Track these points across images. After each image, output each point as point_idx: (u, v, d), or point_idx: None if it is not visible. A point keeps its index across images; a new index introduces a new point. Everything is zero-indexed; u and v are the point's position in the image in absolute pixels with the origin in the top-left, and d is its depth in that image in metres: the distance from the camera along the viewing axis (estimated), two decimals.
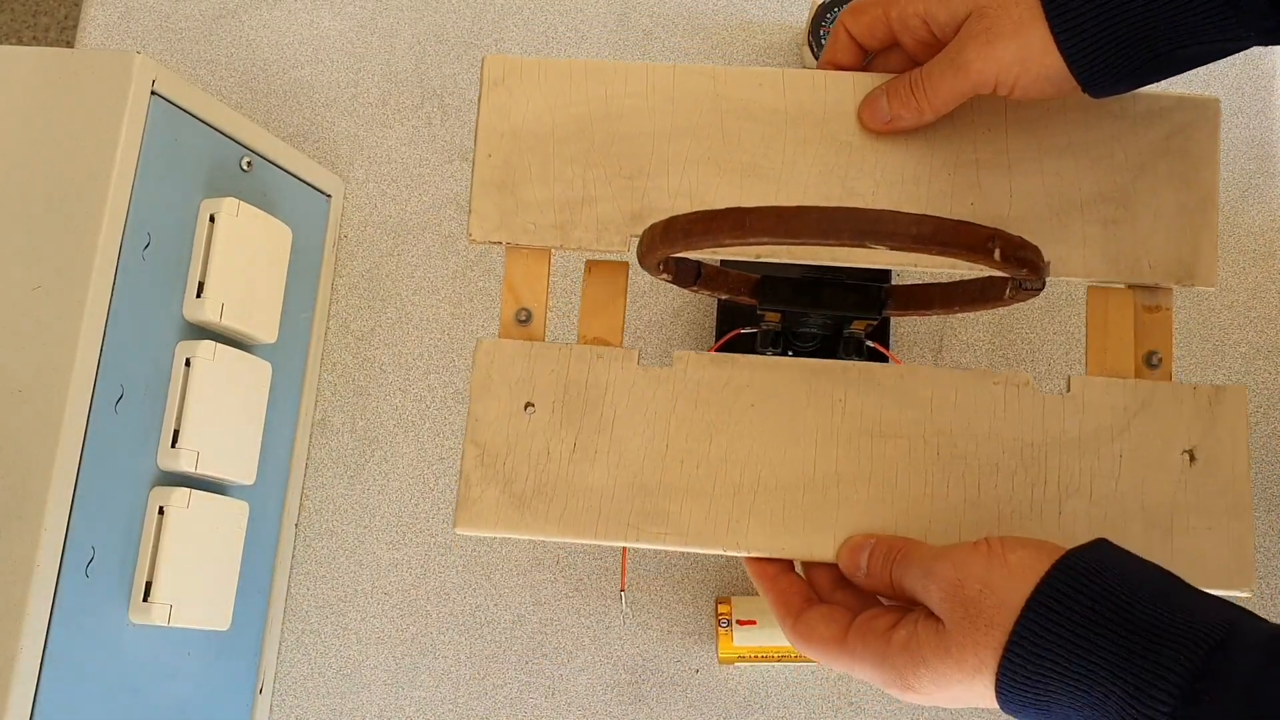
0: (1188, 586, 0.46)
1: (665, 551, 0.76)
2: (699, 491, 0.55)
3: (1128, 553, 0.47)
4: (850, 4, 0.58)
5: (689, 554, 0.76)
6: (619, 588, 0.76)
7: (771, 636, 0.71)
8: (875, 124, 0.57)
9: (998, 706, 0.47)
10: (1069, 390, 0.56)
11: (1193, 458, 0.56)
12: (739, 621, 0.71)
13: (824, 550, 0.55)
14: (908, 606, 0.51)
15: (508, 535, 0.56)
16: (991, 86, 0.53)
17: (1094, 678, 0.43)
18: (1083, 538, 0.51)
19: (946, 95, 0.55)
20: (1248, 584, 0.55)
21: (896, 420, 0.56)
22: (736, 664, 0.72)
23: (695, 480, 0.55)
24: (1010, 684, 0.45)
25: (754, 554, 0.55)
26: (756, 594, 0.75)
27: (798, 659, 0.71)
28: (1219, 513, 0.55)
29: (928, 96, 0.55)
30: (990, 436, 0.56)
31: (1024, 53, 0.52)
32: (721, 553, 0.55)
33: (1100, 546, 0.47)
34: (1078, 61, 0.52)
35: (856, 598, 0.55)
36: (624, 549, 0.76)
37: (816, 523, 0.55)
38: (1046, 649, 0.44)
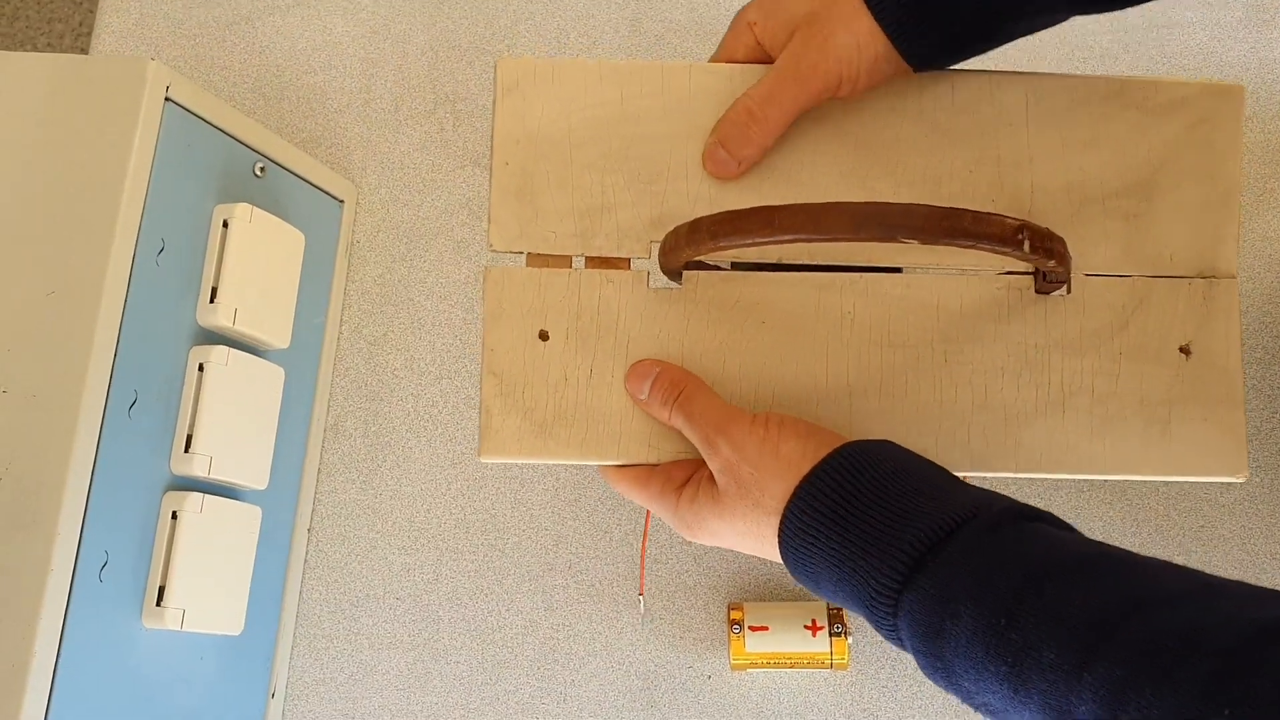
0: (957, 482, 0.49)
1: (678, 556, 0.76)
2: None
3: (906, 452, 0.51)
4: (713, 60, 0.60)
5: (701, 560, 0.76)
6: (631, 592, 0.76)
7: (783, 642, 0.71)
8: (726, 175, 0.58)
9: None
10: (1069, 292, 0.57)
11: (1188, 352, 0.57)
12: (751, 627, 0.71)
13: None
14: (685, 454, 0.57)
15: (531, 461, 0.57)
16: (836, 84, 0.55)
17: (848, 554, 0.48)
18: (1085, 435, 0.56)
19: (790, 108, 0.56)
20: (1241, 470, 0.56)
21: (904, 329, 0.57)
22: (749, 670, 0.72)
23: None
24: (785, 556, 0.51)
25: None
26: (768, 599, 0.75)
27: (810, 665, 0.71)
28: (1214, 403, 0.56)
29: (768, 119, 0.56)
30: (995, 340, 0.57)
31: (857, 39, 0.54)
32: None
33: (880, 445, 0.51)
34: (899, 38, 0.54)
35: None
36: (642, 553, 0.76)
37: None
38: (809, 535, 0.49)
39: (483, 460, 0.56)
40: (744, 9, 0.58)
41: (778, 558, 0.52)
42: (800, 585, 0.52)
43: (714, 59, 0.59)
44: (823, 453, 0.50)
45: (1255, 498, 0.75)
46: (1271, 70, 0.82)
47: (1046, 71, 0.59)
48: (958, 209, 0.48)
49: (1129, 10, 0.84)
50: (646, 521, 0.75)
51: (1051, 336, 0.56)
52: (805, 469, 0.50)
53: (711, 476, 0.54)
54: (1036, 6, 0.54)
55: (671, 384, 0.55)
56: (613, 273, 0.57)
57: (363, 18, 0.87)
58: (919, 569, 0.46)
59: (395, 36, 0.86)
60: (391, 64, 0.86)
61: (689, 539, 0.56)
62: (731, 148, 0.56)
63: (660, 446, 0.56)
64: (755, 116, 0.56)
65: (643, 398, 0.56)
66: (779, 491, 0.50)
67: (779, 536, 0.50)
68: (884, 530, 0.47)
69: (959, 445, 0.56)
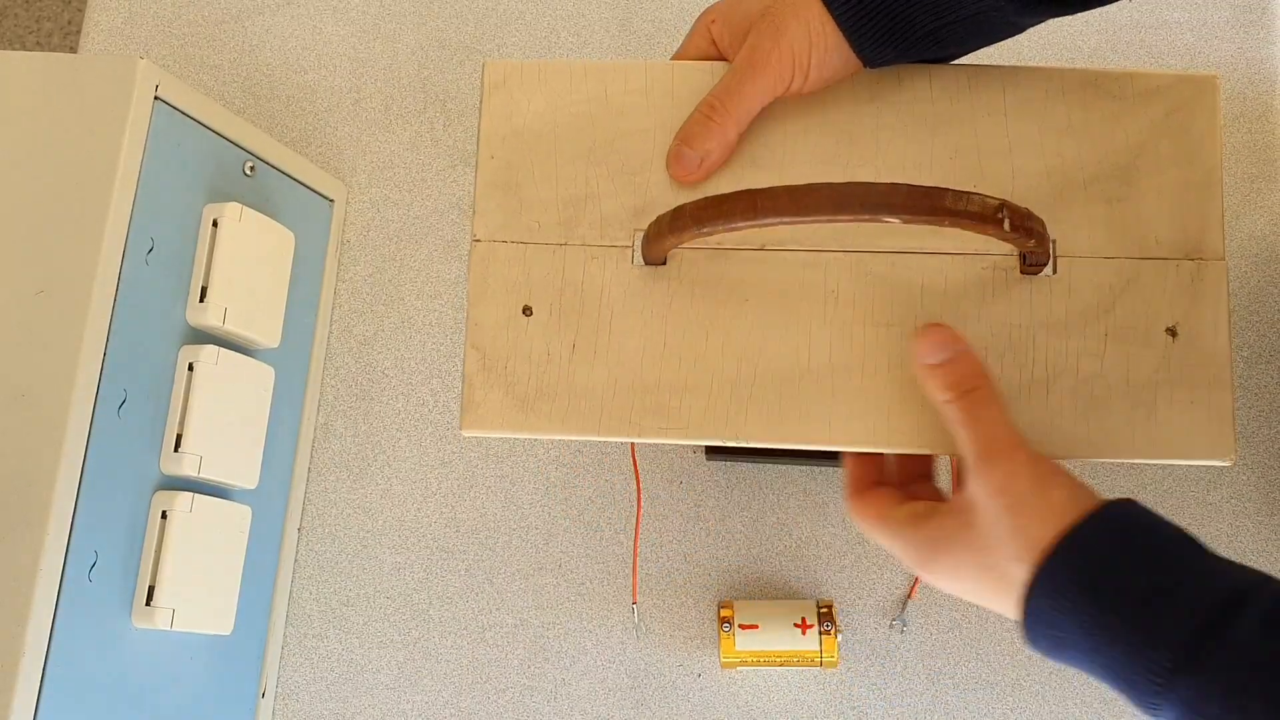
0: (1207, 552, 0.48)
1: (668, 554, 0.76)
2: (698, 387, 0.57)
3: (1154, 514, 0.49)
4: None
5: (691, 558, 0.76)
6: (622, 591, 0.76)
7: (772, 640, 0.71)
8: (691, 176, 0.58)
9: (1016, 620, 0.49)
10: (1055, 272, 0.57)
11: (1175, 334, 0.56)
12: (741, 625, 0.71)
13: (820, 438, 0.56)
14: (938, 500, 0.55)
15: (513, 435, 0.57)
16: (790, 76, 0.55)
17: (1106, 626, 0.45)
18: (1069, 417, 0.55)
19: (749, 98, 0.56)
20: (1228, 454, 0.56)
21: (888, 308, 0.57)
22: (738, 668, 0.72)
23: (694, 376, 0.57)
24: (1031, 616, 0.48)
25: (752, 444, 0.57)
26: (758, 597, 0.75)
27: (799, 663, 0.71)
28: (1201, 386, 0.56)
29: (729, 112, 0.56)
30: (979, 320, 0.57)
31: (808, 30, 0.54)
32: (722, 443, 0.57)
33: (1131, 505, 0.49)
34: (850, 29, 0.54)
35: (923, 493, 0.57)
36: (634, 562, 0.76)
37: (812, 412, 0.56)
38: (1065, 594, 0.46)
39: (464, 434, 0.57)
40: (706, 9, 0.59)
41: (1005, 609, 0.49)
42: (1039, 651, 0.49)
43: (674, 59, 0.60)
44: (1088, 507, 0.48)
45: (1244, 496, 0.76)
46: (1258, 70, 0.83)
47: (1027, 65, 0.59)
48: (938, 188, 0.49)
49: (1117, 11, 0.84)
50: (637, 528, 0.75)
51: (1036, 317, 0.57)
52: (1072, 518, 0.48)
53: (953, 511, 0.52)
54: (983, 5, 0.54)
55: (968, 375, 0.53)
56: (597, 249, 0.58)
57: (353, 17, 0.87)
58: (1192, 658, 0.43)
59: (385, 36, 0.86)
60: (381, 63, 0.86)
61: (921, 576, 0.53)
62: (695, 143, 0.57)
63: (642, 424, 0.56)
64: (715, 109, 0.56)
65: (928, 363, 0.53)
66: (1043, 540, 0.48)
67: (1028, 590, 0.48)
68: (1147, 603, 0.45)
69: (942, 424, 0.56)
